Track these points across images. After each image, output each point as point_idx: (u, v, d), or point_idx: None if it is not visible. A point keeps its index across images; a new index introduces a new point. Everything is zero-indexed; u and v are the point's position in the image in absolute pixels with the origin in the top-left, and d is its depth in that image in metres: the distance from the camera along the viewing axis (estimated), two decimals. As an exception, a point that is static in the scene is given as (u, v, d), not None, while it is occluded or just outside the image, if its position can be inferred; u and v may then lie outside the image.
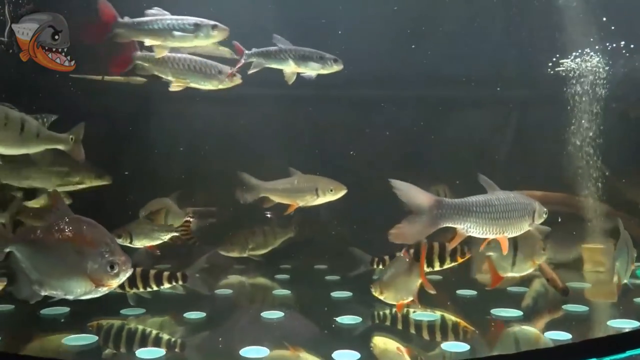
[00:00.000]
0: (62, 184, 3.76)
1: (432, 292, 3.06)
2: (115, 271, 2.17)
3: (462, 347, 2.78)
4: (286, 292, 4.03)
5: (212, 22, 3.11)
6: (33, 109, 4.89)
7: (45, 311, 3.39)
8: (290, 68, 3.40)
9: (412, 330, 3.20)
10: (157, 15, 3.14)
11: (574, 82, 5.36)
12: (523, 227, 2.83)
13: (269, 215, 5.26)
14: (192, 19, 3.12)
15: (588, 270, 4.87)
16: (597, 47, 5.28)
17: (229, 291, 4.00)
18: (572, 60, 5.37)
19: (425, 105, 4.65)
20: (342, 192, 3.87)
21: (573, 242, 4.96)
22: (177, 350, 2.81)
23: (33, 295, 2.33)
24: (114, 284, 2.22)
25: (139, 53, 3.36)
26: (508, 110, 5.73)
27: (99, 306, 3.61)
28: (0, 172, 3.61)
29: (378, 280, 3.13)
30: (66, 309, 3.43)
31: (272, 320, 3.26)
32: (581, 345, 2.76)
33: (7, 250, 2.28)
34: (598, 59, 5.31)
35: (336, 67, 3.45)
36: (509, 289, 4.24)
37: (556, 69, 5.39)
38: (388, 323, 3.37)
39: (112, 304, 3.60)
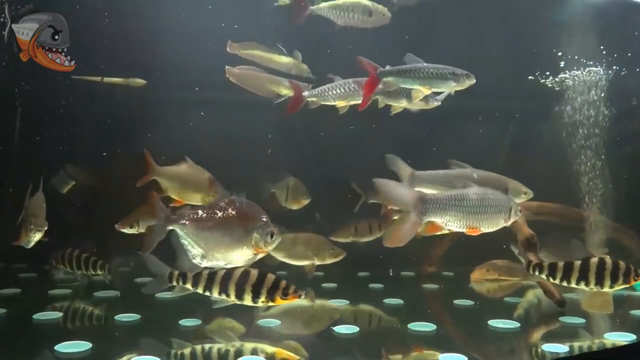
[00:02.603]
0: None
1: None
2: (273, 239, 2.67)
3: (460, 358, 2.76)
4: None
5: (465, 72, 3.37)
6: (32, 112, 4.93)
7: (38, 316, 3.34)
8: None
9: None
10: (414, 62, 3.37)
11: (572, 94, 5.40)
12: (499, 223, 2.91)
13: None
14: (450, 68, 3.35)
15: (584, 281, 4.88)
16: (595, 59, 5.34)
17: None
18: (570, 73, 5.42)
19: (424, 116, 4.69)
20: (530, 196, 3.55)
21: (569, 253, 4.97)
22: (172, 359, 2.77)
23: (193, 267, 2.72)
24: (270, 249, 2.73)
25: (306, 92, 3.69)
26: (504, 121, 5.78)
27: (93, 312, 3.61)
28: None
29: None
30: (59, 315, 3.39)
31: (269, 328, 3.24)
32: (578, 359, 2.76)
33: (170, 228, 2.66)
34: (597, 71, 5.37)
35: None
36: (505, 299, 4.24)
37: (554, 81, 5.44)
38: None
39: (107, 310, 3.57)
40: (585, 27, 5.12)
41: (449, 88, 3.42)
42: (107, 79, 5.00)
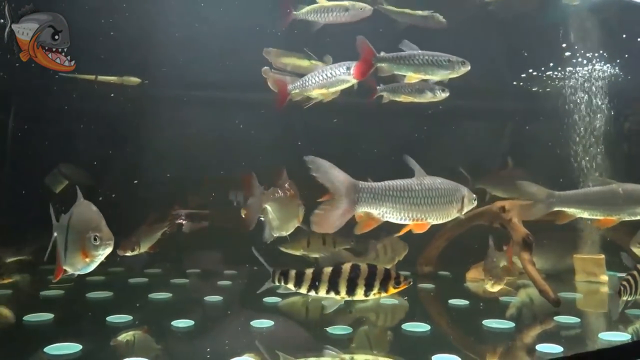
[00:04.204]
0: None
1: None
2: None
3: (453, 359, 2.74)
4: (276, 299, 3.97)
5: (461, 59, 3.37)
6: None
7: (28, 318, 3.31)
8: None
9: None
10: (410, 49, 3.39)
11: (569, 93, 5.39)
12: (450, 214, 2.75)
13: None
14: (445, 56, 3.37)
15: (580, 280, 4.88)
16: (591, 58, 5.33)
17: (219, 298, 3.95)
18: (567, 72, 5.40)
19: (419, 116, 4.68)
20: None
21: (565, 252, 4.97)
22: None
23: (270, 237, 3.30)
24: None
25: (290, 86, 3.73)
26: (502, 121, 5.76)
27: (85, 314, 3.58)
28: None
29: None
30: (50, 316, 3.36)
31: (261, 329, 3.21)
32: (572, 359, 2.74)
33: (265, 206, 3.21)
34: (593, 70, 5.36)
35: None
36: (501, 299, 4.22)
37: (549, 81, 5.43)
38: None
39: (98, 311, 3.54)
40: (585, 28, 5.11)
41: (444, 75, 3.39)
42: (101, 78, 4.97)
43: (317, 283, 2.69)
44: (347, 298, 2.73)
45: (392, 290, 2.70)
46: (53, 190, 4.83)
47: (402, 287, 2.71)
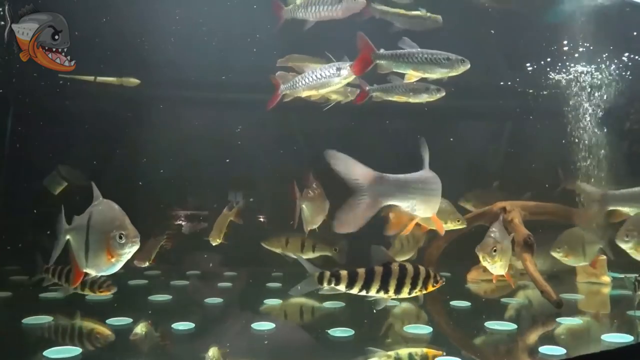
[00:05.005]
0: None
1: None
2: None
3: (455, 362, 2.73)
4: (277, 301, 3.96)
5: (460, 57, 3.38)
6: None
7: (27, 320, 3.29)
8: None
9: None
10: (409, 47, 3.40)
11: (568, 93, 5.39)
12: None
13: (261, 219, 5.22)
14: (444, 54, 3.37)
15: (581, 281, 4.87)
16: (590, 59, 5.33)
17: (219, 300, 3.93)
18: (564, 72, 5.40)
19: (417, 115, 4.66)
20: None
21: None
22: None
23: (306, 230, 3.79)
24: None
25: (282, 86, 3.76)
26: (501, 121, 5.75)
27: (85, 316, 3.55)
28: None
29: None
30: (49, 319, 3.33)
31: (262, 331, 3.19)
32: (575, 361, 2.73)
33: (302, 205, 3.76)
34: (591, 70, 5.35)
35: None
36: (502, 300, 4.21)
37: (547, 80, 5.42)
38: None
39: (97, 314, 3.52)
40: (582, 27, 5.10)
41: (443, 74, 3.39)
42: (100, 79, 4.94)
43: (370, 283, 2.71)
44: (394, 297, 2.77)
45: (430, 288, 2.81)
46: (52, 192, 4.80)
47: (439, 285, 2.83)
